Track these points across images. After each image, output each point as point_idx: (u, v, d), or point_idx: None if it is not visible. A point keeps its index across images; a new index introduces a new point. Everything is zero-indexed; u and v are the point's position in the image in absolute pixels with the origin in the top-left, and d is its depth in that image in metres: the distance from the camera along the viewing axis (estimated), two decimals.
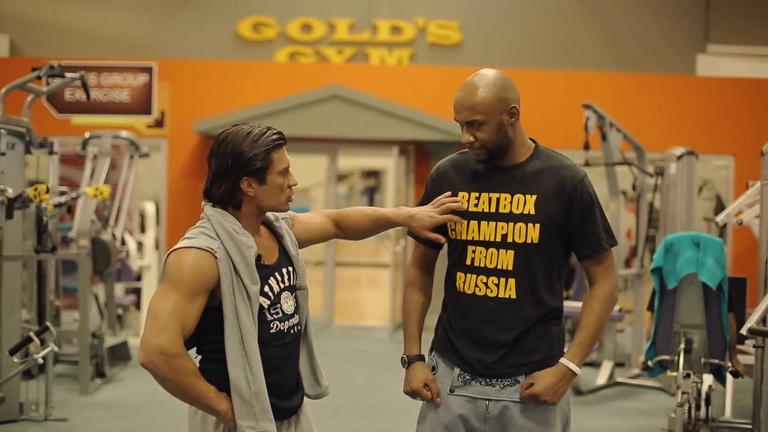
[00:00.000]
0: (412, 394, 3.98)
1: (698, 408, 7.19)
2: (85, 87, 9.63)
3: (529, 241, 3.78)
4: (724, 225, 9.16)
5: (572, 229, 3.81)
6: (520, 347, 3.82)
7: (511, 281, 3.80)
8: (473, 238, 3.84)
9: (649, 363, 7.53)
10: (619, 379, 10.34)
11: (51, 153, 9.33)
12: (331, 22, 16.99)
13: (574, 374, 3.83)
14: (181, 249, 3.47)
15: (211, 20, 16.92)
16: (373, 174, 26.70)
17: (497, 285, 3.81)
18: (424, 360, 4.02)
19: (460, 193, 3.90)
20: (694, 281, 7.37)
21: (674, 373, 7.26)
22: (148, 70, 12.62)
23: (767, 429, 6.61)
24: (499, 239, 3.81)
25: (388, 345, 12.95)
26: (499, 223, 3.81)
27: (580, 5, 17.20)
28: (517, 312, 3.80)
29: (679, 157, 10.12)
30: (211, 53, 16.46)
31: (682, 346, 7.27)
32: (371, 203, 26.87)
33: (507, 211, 3.81)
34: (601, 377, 10.30)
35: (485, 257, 3.83)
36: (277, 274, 3.63)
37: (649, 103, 15.21)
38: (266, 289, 3.56)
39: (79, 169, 12.30)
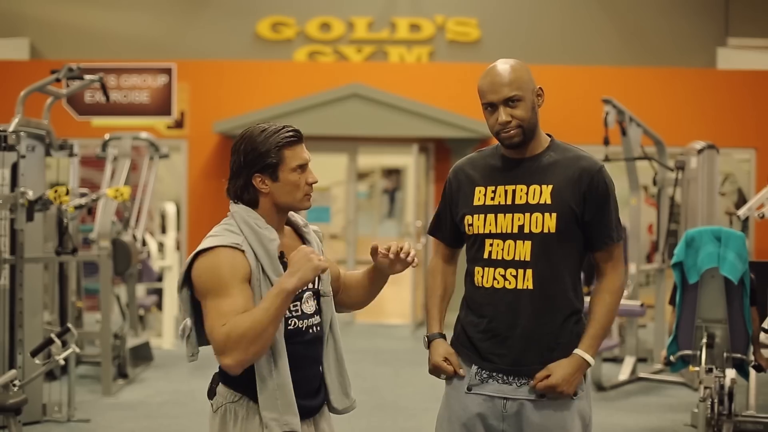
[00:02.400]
0: (435, 370, 4.00)
1: (721, 403, 7.16)
2: (104, 89, 9.66)
3: (546, 230, 3.77)
4: (746, 219, 9.12)
5: (588, 219, 3.80)
6: (538, 345, 3.80)
7: (529, 272, 3.78)
8: (490, 231, 3.84)
9: (672, 358, 7.50)
10: (642, 375, 10.31)
11: (71, 155, 9.34)
12: (350, 20, 17.00)
13: (588, 365, 3.83)
14: (207, 251, 3.48)
15: (230, 20, 16.95)
16: (394, 172, 26.66)
17: (515, 276, 3.79)
18: (445, 338, 4.02)
19: (477, 188, 3.90)
20: (715, 275, 7.34)
21: (696, 368, 7.23)
22: (168, 71, 12.64)
23: None
24: (516, 230, 3.80)
25: (410, 343, 12.94)
26: (515, 214, 3.80)
27: (599, 0, 17.16)
28: (534, 303, 3.78)
29: (700, 151, 10.08)
30: (231, 53, 16.49)
31: (704, 340, 7.24)
32: (392, 203, 26.88)
33: (523, 202, 3.80)
34: (624, 373, 10.27)
35: (502, 249, 3.82)
36: None
37: (669, 98, 15.15)
38: None
39: (100, 171, 12.34)
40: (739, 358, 7.27)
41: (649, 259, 14.12)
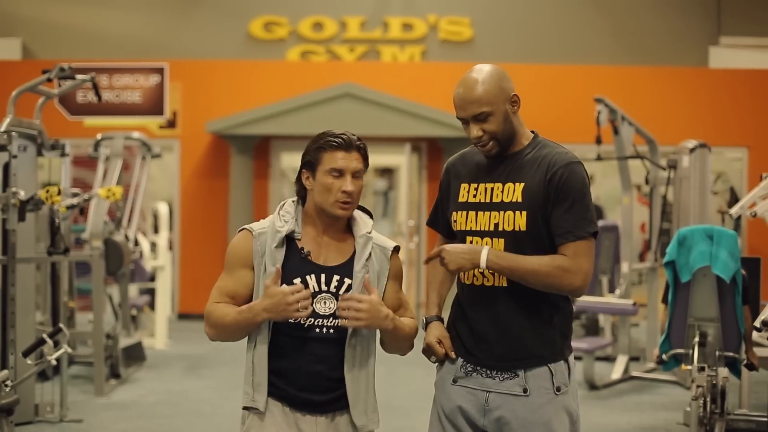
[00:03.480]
0: (427, 350, 4.00)
1: (713, 401, 7.17)
2: (96, 88, 9.64)
3: (517, 228, 3.76)
4: (739, 217, 9.14)
5: (550, 214, 3.76)
6: (521, 339, 3.80)
7: None
8: (471, 228, 3.86)
9: (664, 357, 7.51)
10: (634, 374, 10.33)
11: (63, 155, 9.32)
12: (343, 20, 17.00)
13: (479, 262, 3.72)
14: (239, 231, 3.87)
15: (222, 20, 16.94)
16: (386, 171, 26.67)
17: (493, 274, 3.81)
18: (443, 321, 4.04)
19: (463, 185, 3.93)
20: (707, 274, 7.34)
21: (689, 367, 7.24)
22: (160, 71, 12.63)
23: None
24: (492, 228, 3.81)
25: None
26: (492, 212, 3.82)
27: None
28: (511, 300, 3.79)
29: (692, 150, 10.10)
30: (223, 53, 16.48)
31: (697, 339, 7.24)
32: (386, 203, 26.88)
33: (499, 200, 3.82)
34: (616, 372, 10.28)
35: None
36: (323, 275, 3.71)
37: (662, 96, 15.18)
38: (297, 280, 3.66)
39: (92, 171, 12.33)
40: (732, 357, 7.27)
41: (641, 257, 14.15)
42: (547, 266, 3.72)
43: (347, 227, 3.83)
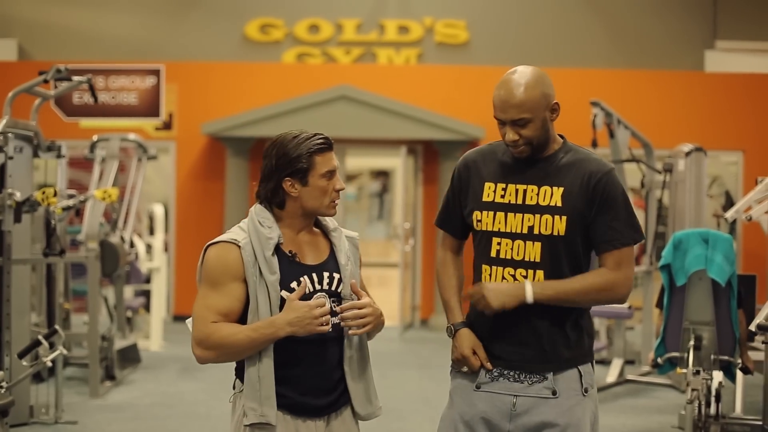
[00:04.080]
0: (460, 361, 3.92)
1: (708, 405, 7.18)
2: (92, 90, 9.64)
3: (555, 233, 3.77)
4: (734, 221, 9.15)
5: (592, 221, 3.78)
6: (550, 342, 3.81)
7: (540, 273, 3.78)
8: (499, 229, 3.83)
9: (659, 360, 7.52)
10: (629, 377, 10.33)
11: (59, 156, 9.33)
12: (339, 22, 16.99)
13: (524, 298, 3.73)
14: (212, 245, 3.71)
15: (218, 22, 16.93)
16: (382, 174, 26.70)
17: (525, 277, 3.79)
18: (469, 327, 3.97)
19: (487, 184, 3.88)
20: (703, 278, 7.35)
21: (684, 370, 7.24)
22: (156, 73, 12.62)
23: None
24: (525, 231, 3.80)
25: (398, 345, 12.93)
26: (525, 214, 3.80)
27: (588, 3, 17.19)
28: (541, 305, 3.77)
29: (688, 154, 10.11)
30: (219, 55, 16.47)
31: (692, 343, 7.25)
32: (382, 205, 26.91)
33: (534, 202, 3.80)
34: (611, 375, 10.28)
35: (511, 249, 3.82)
36: (314, 274, 3.72)
37: (657, 100, 15.19)
38: (293, 284, 3.66)
39: (88, 172, 12.31)
40: (727, 361, 7.28)
41: (636, 261, 14.13)
42: (594, 284, 3.77)
43: (314, 224, 3.85)
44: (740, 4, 17.21)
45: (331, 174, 3.70)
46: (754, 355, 7.87)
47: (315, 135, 3.73)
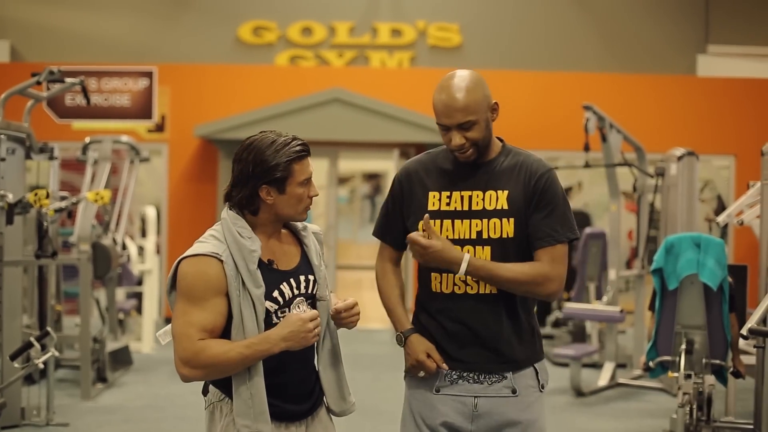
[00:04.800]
0: (416, 367, 3.92)
1: (700, 408, 7.17)
2: (84, 92, 9.63)
3: (504, 235, 3.79)
4: (726, 225, 9.15)
5: (529, 216, 3.80)
6: (507, 343, 3.83)
7: None
8: (447, 236, 3.82)
9: (651, 364, 7.51)
10: (621, 380, 10.34)
11: (51, 158, 9.32)
12: (332, 25, 17.01)
13: (457, 270, 3.74)
14: (188, 258, 3.56)
15: (211, 24, 16.94)
16: (374, 177, 26.69)
17: (477, 282, 3.80)
18: (418, 333, 3.97)
19: (431, 193, 3.88)
20: (695, 282, 7.35)
21: (675, 374, 7.25)
22: (149, 75, 12.62)
23: None
24: (474, 236, 3.81)
25: (389, 347, 12.93)
26: (473, 220, 3.81)
27: (580, 7, 17.22)
28: (499, 307, 3.81)
29: (680, 158, 10.12)
30: (212, 57, 16.47)
31: (683, 346, 7.26)
32: (373, 207, 26.88)
33: (480, 207, 3.81)
34: (603, 378, 10.29)
35: None
36: (292, 279, 3.67)
37: (650, 104, 15.22)
38: (276, 294, 3.60)
39: (80, 174, 12.31)
40: (718, 364, 7.29)
41: (628, 265, 14.16)
42: (527, 274, 3.77)
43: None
44: (732, 9, 17.26)
45: (308, 181, 3.64)
46: (746, 359, 7.87)
47: (293, 140, 3.63)
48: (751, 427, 7.38)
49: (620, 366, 11.00)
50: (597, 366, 11.04)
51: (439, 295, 3.89)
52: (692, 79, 16.39)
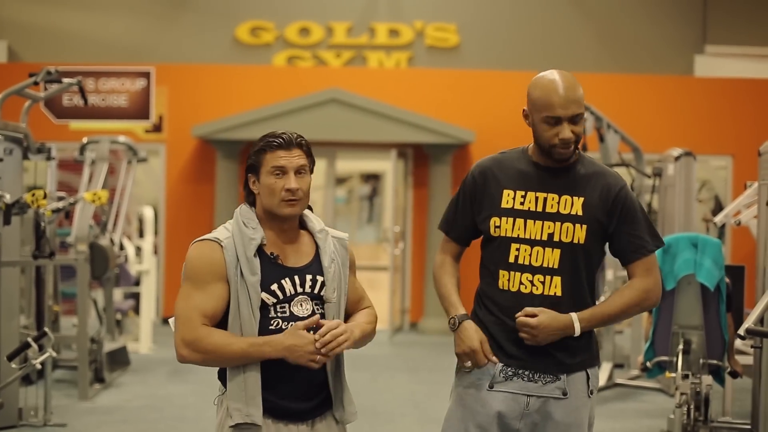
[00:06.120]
0: (467, 355, 3.92)
1: (697, 409, 7.18)
2: (82, 92, 9.63)
3: (575, 241, 3.85)
4: (723, 225, 9.16)
5: (615, 233, 3.90)
6: (564, 345, 3.87)
7: (557, 279, 3.86)
8: (518, 235, 3.88)
9: (648, 364, 7.53)
10: (618, 381, 10.34)
11: (49, 158, 9.32)
12: (329, 25, 17.00)
13: (573, 331, 3.84)
14: (194, 243, 3.71)
15: (209, 25, 16.93)
16: (372, 177, 26.70)
17: (543, 283, 3.86)
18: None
19: (506, 191, 3.92)
20: (692, 282, 7.37)
21: (673, 374, 7.26)
22: (146, 75, 12.62)
23: (766, 429, 6.61)
24: (545, 238, 3.86)
25: (387, 348, 12.93)
26: (545, 222, 3.86)
27: (578, 7, 17.22)
28: (562, 309, 3.85)
29: (677, 158, 10.13)
30: (210, 57, 16.46)
31: (681, 347, 7.27)
32: (372, 208, 26.91)
33: (554, 210, 3.87)
34: (601, 379, 10.28)
35: (530, 255, 3.87)
36: (296, 277, 3.69)
37: (647, 104, 15.22)
38: (274, 287, 3.64)
39: (78, 175, 12.30)
40: (715, 365, 7.30)
41: None
42: (632, 298, 3.91)
43: (300, 225, 3.82)
44: (730, 9, 17.26)
45: (279, 171, 3.64)
46: (743, 359, 7.89)
47: (278, 133, 3.70)
48: (749, 427, 7.39)
49: (618, 366, 11.01)
50: None
51: (504, 292, 3.92)
52: (690, 79, 16.40)
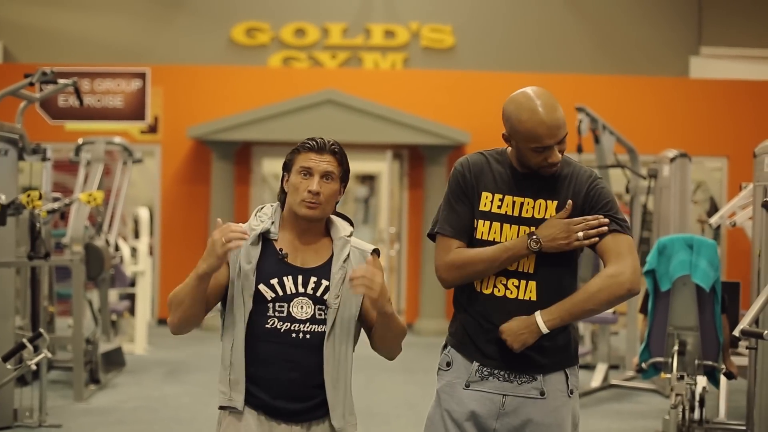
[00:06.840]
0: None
1: (692, 410, 7.19)
2: (77, 93, 9.63)
3: None
4: (718, 226, 9.18)
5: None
6: (539, 346, 3.83)
7: (532, 284, 3.83)
8: (494, 239, 3.85)
9: (643, 365, 7.53)
10: (614, 382, 10.35)
11: (44, 159, 9.30)
12: (325, 26, 17.01)
13: (540, 330, 3.77)
14: None
15: (204, 25, 16.93)
16: (368, 178, 26.68)
17: (517, 287, 3.83)
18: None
19: (485, 194, 3.88)
20: (687, 283, 7.37)
21: (668, 375, 7.27)
22: (142, 76, 12.61)
23: (761, 430, 6.62)
24: None
25: None
26: (521, 226, 3.83)
27: (573, 8, 17.24)
28: (534, 311, 3.81)
29: (672, 160, 10.14)
30: (205, 58, 16.46)
31: (676, 348, 7.27)
32: (367, 210, 26.87)
33: (529, 215, 3.83)
34: (596, 380, 10.30)
35: None
36: (300, 276, 3.70)
37: (642, 106, 15.23)
38: (274, 281, 3.66)
39: (73, 175, 12.29)
40: (710, 366, 7.31)
41: None
42: (598, 285, 3.79)
43: (326, 232, 3.82)
44: (725, 11, 17.28)
45: (306, 172, 3.67)
46: (738, 360, 7.90)
47: (317, 138, 3.77)
48: (744, 428, 7.40)
49: (613, 367, 11.01)
50: (590, 367, 11.04)
51: (480, 294, 3.89)
52: (685, 80, 16.42)
